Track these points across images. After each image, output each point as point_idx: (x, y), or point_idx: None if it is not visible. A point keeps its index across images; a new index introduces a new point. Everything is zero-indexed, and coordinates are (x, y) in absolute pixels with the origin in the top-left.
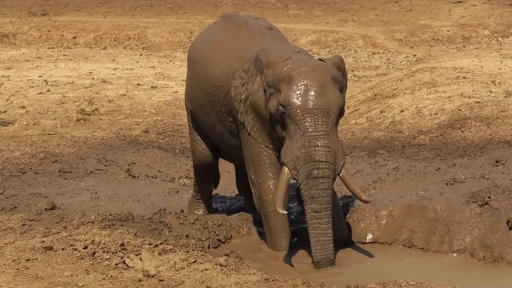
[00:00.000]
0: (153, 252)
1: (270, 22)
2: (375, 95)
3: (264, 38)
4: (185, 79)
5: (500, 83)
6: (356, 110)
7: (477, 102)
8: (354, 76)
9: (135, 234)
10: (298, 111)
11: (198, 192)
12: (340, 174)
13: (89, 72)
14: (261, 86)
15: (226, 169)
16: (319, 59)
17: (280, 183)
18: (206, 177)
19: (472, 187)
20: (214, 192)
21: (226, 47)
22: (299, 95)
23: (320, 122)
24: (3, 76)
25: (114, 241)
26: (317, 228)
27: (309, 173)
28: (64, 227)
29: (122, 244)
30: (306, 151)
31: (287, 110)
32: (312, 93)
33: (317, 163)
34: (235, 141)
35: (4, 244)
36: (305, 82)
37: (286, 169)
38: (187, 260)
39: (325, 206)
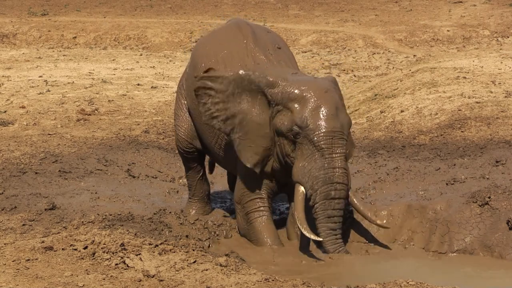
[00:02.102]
0: (153, 252)
1: (281, 38)
2: (375, 95)
3: (269, 60)
4: (184, 72)
5: (500, 83)
6: (356, 110)
7: (477, 102)
8: (354, 76)
9: (135, 234)
10: (316, 133)
11: (189, 189)
12: (349, 198)
13: (89, 72)
14: (253, 104)
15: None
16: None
17: (298, 204)
18: (194, 169)
19: (472, 187)
20: (214, 192)
21: (233, 63)
22: (317, 118)
23: (336, 144)
24: (3, 76)
25: (114, 241)
26: (334, 243)
27: (327, 194)
28: (64, 227)
29: (122, 244)
30: (325, 173)
31: (304, 131)
32: (329, 115)
33: (335, 184)
34: (223, 153)
35: (4, 244)
36: (320, 104)
37: (301, 188)
38: (187, 260)
39: (339, 225)
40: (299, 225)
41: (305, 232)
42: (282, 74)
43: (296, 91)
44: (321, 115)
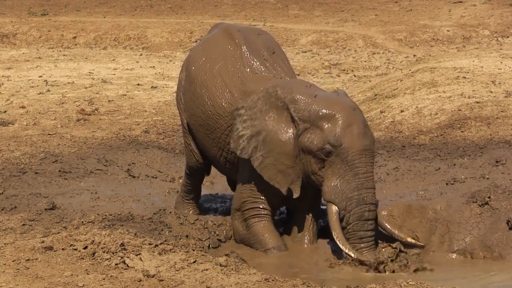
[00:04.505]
0: (153, 252)
1: (272, 37)
2: (375, 95)
3: (266, 68)
4: (179, 84)
5: (500, 83)
6: None
7: (477, 102)
8: (354, 76)
9: (135, 234)
10: (350, 152)
11: (188, 193)
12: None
13: (89, 72)
14: (279, 121)
15: None
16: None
17: (334, 224)
18: (198, 179)
19: (472, 187)
20: (214, 192)
21: (230, 75)
22: (350, 136)
23: (368, 163)
24: (3, 76)
25: (114, 241)
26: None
27: (361, 215)
28: (64, 227)
29: (122, 244)
30: (359, 193)
31: (337, 150)
32: (361, 134)
33: (368, 205)
34: (230, 166)
35: (4, 244)
36: (352, 123)
37: (334, 208)
38: (187, 260)
39: (371, 245)
40: (341, 246)
41: (348, 252)
42: (305, 90)
43: (325, 109)
44: (354, 134)
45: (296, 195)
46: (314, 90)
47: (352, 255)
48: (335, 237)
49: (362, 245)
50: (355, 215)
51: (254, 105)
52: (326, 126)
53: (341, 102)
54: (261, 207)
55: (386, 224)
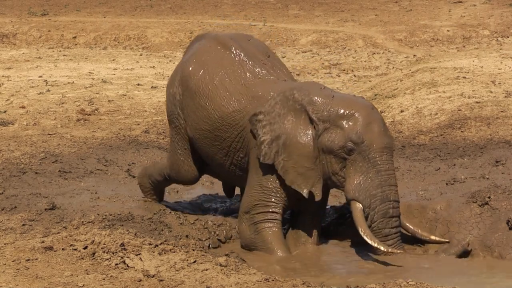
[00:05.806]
0: (153, 252)
1: (259, 40)
2: (375, 95)
3: (267, 71)
4: (173, 99)
5: (500, 83)
6: None
7: (477, 102)
8: (354, 76)
9: (135, 234)
10: (372, 149)
11: (154, 191)
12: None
13: (89, 72)
14: (297, 124)
15: None
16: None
17: (361, 221)
18: (168, 186)
19: (472, 187)
20: (214, 192)
21: (233, 83)
22: (371, 134)
23: (390, 161)
24: (3, 76)
25: (114, 241)
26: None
27: (385, 212)
28: (64, 227)
29: (122, 244)
30: (383, 191)
31: (359, 147)
32: (382, 132)
33: (392, 202)
34: (240, 173)
35: (4, 244)
36: (372, 121)
37: (359, 205)
38: (187, 260)
39: (396, 241)
40: (369, 241)
41: (378, 246)
42: (321, 92)
43: (344, 108)
44: (375, 132)
45: (317, 198)
46: (330, 91)
47: (382, 248)
48: (362, 233)
49: (389, 242)
50: (379, 212)
51: (272, 109)
52: (347, 124)
53: (359, 102)
54: (272, 211)
55: (408, 224)
